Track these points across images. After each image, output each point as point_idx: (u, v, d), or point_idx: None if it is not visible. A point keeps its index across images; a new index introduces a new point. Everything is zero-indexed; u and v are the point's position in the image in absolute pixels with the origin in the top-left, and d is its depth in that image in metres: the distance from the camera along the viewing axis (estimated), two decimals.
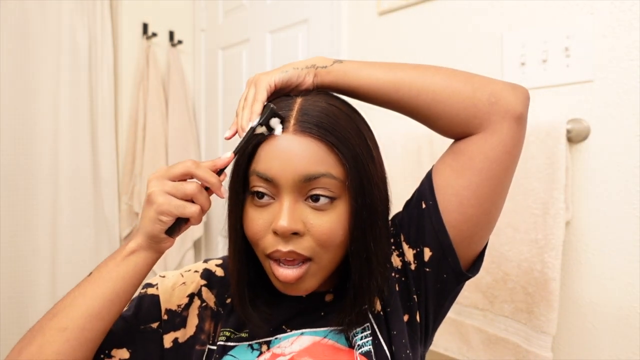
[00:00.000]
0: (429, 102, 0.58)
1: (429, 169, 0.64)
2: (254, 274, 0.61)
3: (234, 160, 0.56)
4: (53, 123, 1.71)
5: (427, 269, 0.61)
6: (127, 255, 0.54)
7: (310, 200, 0.53)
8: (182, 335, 0.61)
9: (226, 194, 0.56)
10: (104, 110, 1.81)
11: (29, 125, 1.68)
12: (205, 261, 0.69)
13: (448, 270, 0.60)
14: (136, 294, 0.61)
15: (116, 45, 1.89)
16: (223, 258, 0.70)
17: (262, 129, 0.54)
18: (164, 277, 0.66)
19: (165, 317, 0.61)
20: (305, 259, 0.54)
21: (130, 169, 1.88)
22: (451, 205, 0.59)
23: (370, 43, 1.38)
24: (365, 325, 0.59)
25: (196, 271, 0.66)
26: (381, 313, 0.61)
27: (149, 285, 0.64)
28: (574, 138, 0.95)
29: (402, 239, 0.63)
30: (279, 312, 0.61)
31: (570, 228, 0.97)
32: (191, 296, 0.63)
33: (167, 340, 0.60)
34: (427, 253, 0.60)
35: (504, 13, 1.08)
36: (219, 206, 1.98)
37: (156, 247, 0.55)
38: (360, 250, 0.55)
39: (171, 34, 2.00)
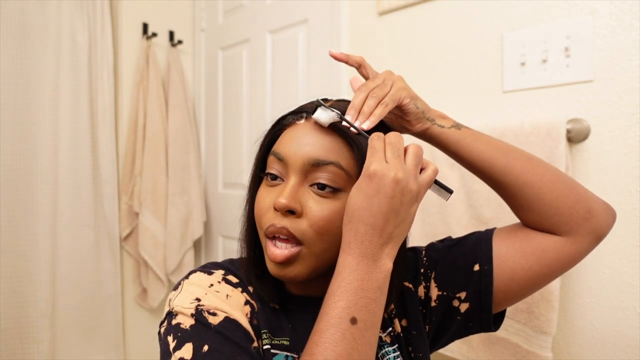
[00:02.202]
0: (530, 196, 0.61)
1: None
2: (259, 263, 0.61)
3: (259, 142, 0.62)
4: (53, 123, 1.71)
5: (459, 317, 0.64)
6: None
7: (315, 187, 0.54)
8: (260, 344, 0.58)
9: None
10: (104, 110, 1.81)
11: (29, 125, 1.68)
12: (209, 273, 0.61)
13: (476, 322, 0.64)
14: (194, 332, 0.52)
15: (116, 45, 1.89)
16: (223, 266, 0.63)
17: None
18: (200, 300, 0.55)
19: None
20: (297, 242, 0.54)
21: (130, 169, 1.88)
22: (502, 275, 0.62)
23: (370, 43, 1.38)
24: (395, 346, 0.62)
25: (219, 282, 0.59)
26: (401, 334, 0.63)
27: (210, 313, 0.53)
28: (574, 138, 0.95)
29: (433, 275, 0.66)
30: (300, 321, 0.60)
31: None
32: (246, 303, 0.59)
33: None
34: (465, 306, 0.64)
35: (504, 13, 1.08)
36: (219, 206, 1.98)
37: None
38: None
39: (171, 34, 2.00)
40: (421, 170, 0.52)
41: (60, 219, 1.72)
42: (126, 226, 1.88)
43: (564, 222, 0.60)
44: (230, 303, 0.56)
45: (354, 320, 0.46)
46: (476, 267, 0.63)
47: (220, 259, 1.98)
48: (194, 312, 0.53)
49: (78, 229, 1.76)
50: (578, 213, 0.60)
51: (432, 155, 1.08)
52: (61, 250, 1.72)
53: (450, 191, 0.56)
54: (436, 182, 0.55)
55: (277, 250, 0.53)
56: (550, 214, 0.61)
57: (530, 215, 0.62)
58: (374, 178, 0.47)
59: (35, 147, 1.69)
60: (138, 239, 1.86)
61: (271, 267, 0.56)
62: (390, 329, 0.62)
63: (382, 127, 0.59)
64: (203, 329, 0.51)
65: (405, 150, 0.51)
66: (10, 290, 1.64)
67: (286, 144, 0.56)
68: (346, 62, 0.63)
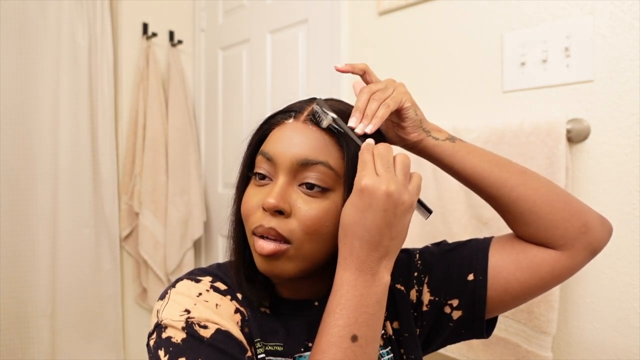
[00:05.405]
0: (524, 209, 0.61)
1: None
2: (249, 265, 0.60)
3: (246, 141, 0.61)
4: (53, 123, 1.71)
5: (451, 324, 0.64)
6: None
7: (304, 187, 0.54)
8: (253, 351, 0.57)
9: None
10: (104, 110, 1.81)
11: (29, 125, 1.68)
12: (196, 281, 0.60)
13: (469, 330, 0.65)
14: (187, 344, 0.51)
15: (116, 45, 1.89)
16: (210, 273, 0.62)
17: None
18: (189, 312, 0.54)
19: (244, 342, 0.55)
20: (286, 241, 0.53)
21: (130, 169, 1.88)
22: (497, 286, 0.62)
23: (370, 43, 1.38)
24: (388, 348, 0.62)
25: (207, 290, 0.59)
26: (393, 337, 0.63)
27: (201, 326, 0.52)
28: (574, 138, 0.95)
29: (426, 280, 0.66)
30: (292, 324, 0.60)
31: None
32: (236, 312, 0.58)
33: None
34: (457, 313, 0.64)
35: (504, 13, 1.08)
36: (219, 206, 1.98)
37: None
38: None
39: (171, 34, 2.00)
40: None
41: (60, 219, 1.72)
42: (126, 226, 1.88)
43: (558, 236, 0.60)
44: (220, 313, 0.55)
45: (354, 338, 0.46)
46: (470, 277, 0.63)
47: (220, 259, 1.99)
48: (184, 325, 0.52)
49: (78, 229, 1.76)
50: (573, 227, 0.60)
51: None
52: (61, 250, 1.72)
53: (430, 211, 0.57)
54: (419, 202, 0.55)
55: (264, 243, 0.53)
56: (544, 227, 0.60)
57: (525, 229, 0.62)
58: (365, 192, 0.47)
59: (35, 147, 1.69)
60: (138, 239, 1.86)
61: (259, 262, 0.55)
62: (382, 331, 0.62)
63: (378, 135, 0.58)
64: (195, 343, 0.51)
65: (394, 160, 0.51)
66: (10, 290, 1.64)
67: (275, 143, 0.56)
68: (351, 72, 0.63)
